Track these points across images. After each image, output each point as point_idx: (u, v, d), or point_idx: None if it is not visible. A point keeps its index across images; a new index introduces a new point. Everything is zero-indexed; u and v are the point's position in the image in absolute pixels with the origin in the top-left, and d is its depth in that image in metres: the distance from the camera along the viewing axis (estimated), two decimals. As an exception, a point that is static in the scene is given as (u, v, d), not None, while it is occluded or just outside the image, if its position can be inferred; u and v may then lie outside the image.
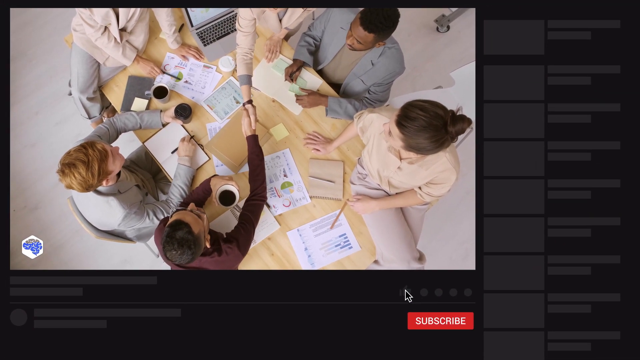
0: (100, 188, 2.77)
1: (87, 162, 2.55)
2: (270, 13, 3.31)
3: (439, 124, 2.21)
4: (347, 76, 3.45)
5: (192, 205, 2.69)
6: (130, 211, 2.86)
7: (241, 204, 3.18)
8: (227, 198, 3.01)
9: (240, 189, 2.99)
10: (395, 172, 2.81)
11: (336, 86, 3.65)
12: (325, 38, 3.42)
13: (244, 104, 3.15)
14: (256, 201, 2.91)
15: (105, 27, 3.27)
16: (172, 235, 2.42)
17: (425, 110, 2.22)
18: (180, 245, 2.41)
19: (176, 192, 3.10)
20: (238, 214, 3.18)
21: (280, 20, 3.48)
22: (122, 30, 3.35)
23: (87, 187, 2.61)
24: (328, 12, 3.32)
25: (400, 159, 2.72)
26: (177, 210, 2.64)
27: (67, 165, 2.54)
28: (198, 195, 3.05)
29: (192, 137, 3.34)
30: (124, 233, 3.33)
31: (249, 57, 3.24)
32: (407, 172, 2.76)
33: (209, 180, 3.02)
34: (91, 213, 3.00)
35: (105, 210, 2.84)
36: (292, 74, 3.49)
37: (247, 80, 3.22)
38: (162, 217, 2.98)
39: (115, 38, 3.32)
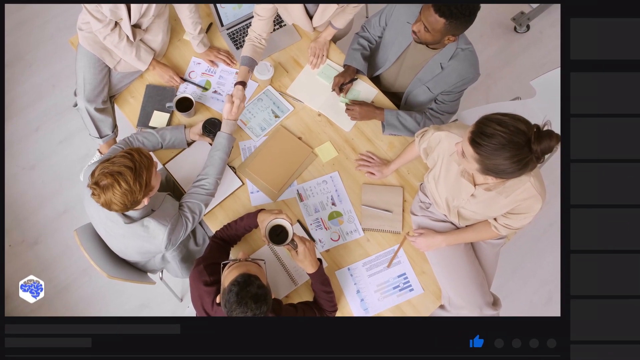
0: (130, 213, 2.84)
1: (135, 169, 2.61)
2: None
3: (521, 141, 2.24)
4: (410, 83, 3.52)
5: (244, 254, 2.78)
6: (172, 226, 2.92)
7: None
8: (278, 235, 3.00)
9: (292, 223, 3.02)
10: (468, 200, 2.87)
11: (394, 98, 3.75)
12: (387, 36, 3.51)
13: (235, 84, 3.25)
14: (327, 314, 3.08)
15: (116, 23, 3.39)
16: (245, 294, 2.45)
17: (505, 124, 2.26)
18: (256, 301, 2.45)
19: (214, 170, 3.13)
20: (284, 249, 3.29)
21: (310, 17, 3.65)
22: (136, 27, 3.47)
23: (131, 203, 2.65)
24: (391, 5, 3.42)
25: (475, 185, 2.77)
26: (227, 263, 2.70)
27: (110, 174, 2.57)
28: (237, 231, 3.16)
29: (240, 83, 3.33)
30: (165, 261, 3.40)
31: (258, 43, 3.38)
32: (482, 201, 2.81)
33: (254, 214, 3.09)
34: (129, 246, 3.06)
35: (144, 235, 2.90)
36: (342, 86, 3.58)
37: (249, 62, 3.34)
38: (198, 210, 3.04)
39: (127, 36, 3.44)
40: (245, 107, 3.28)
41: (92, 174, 2.64)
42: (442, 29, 2.97)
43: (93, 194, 2.62)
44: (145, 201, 2.75)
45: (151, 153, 3.29)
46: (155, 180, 2.76)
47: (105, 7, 3.21)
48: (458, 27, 2.97)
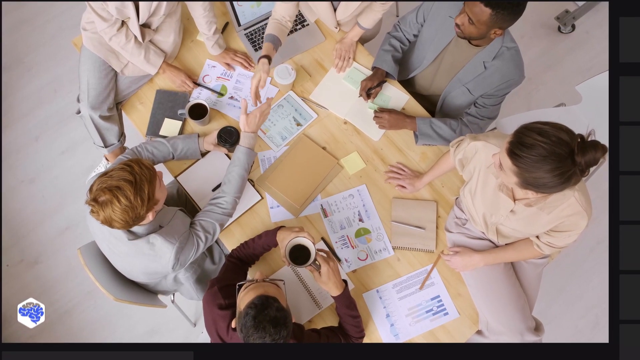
0: (135, 229, 2.85)
1: (135, 183, 2.61)
2: None
3: (563, 152, 2.25)
4: (448, 84, 3.54)
5: (261, 275, 2.79)
6: (181, 244, 2.92)
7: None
8: (299, 255, 3.00)
9: (315, 241, 2.99)
10: (507, 217, 2.89)
11: (427, 102, 3.79)
12: (426, 33, 3.54)
13: (259, 58, 3.30)
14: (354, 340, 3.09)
15: (123, 22, 3.42)
16: (262, 318, 2.45)
17: (546, 134, 2.28)
18: (275, 325, 2.44)
19: (231, 188, 3.14)
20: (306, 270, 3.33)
21: (334, 9, 3.69)
22: (145, 26, 3.51)
23: (132, 219, 2.65)
24: (429, 2, 3.46)
25: (515, 200, 2.80)
26: (243, 284, 2.72)
27: (109, 190, 2.58)
28: (255, 250, 3.18)
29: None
30: (178, 282, 3.42)
31: (284, 23, 3.45)
32: (523, 217, 2.83)
33: (274, 232, 3.13)
34: (134, 265, 3.07)
35: (149, 253, 2.90)
36: (370, 90, 3.60)
37: (274, 40, 3.40)
38: (212, 230, 3.06)
39: (135, 37, 3.49)
40: (263, 116, 3.22)
41: (90, 189, 2.67)
42: (487, 21, 2.98)
43: (92, 211, 2.64)
44: (150, 216, 2.76)
45: (161, 164, 3.39)
46: (160, 193, 2.77)
47: (112, 5, 3.24)
48: (505, 19, 2.98)
